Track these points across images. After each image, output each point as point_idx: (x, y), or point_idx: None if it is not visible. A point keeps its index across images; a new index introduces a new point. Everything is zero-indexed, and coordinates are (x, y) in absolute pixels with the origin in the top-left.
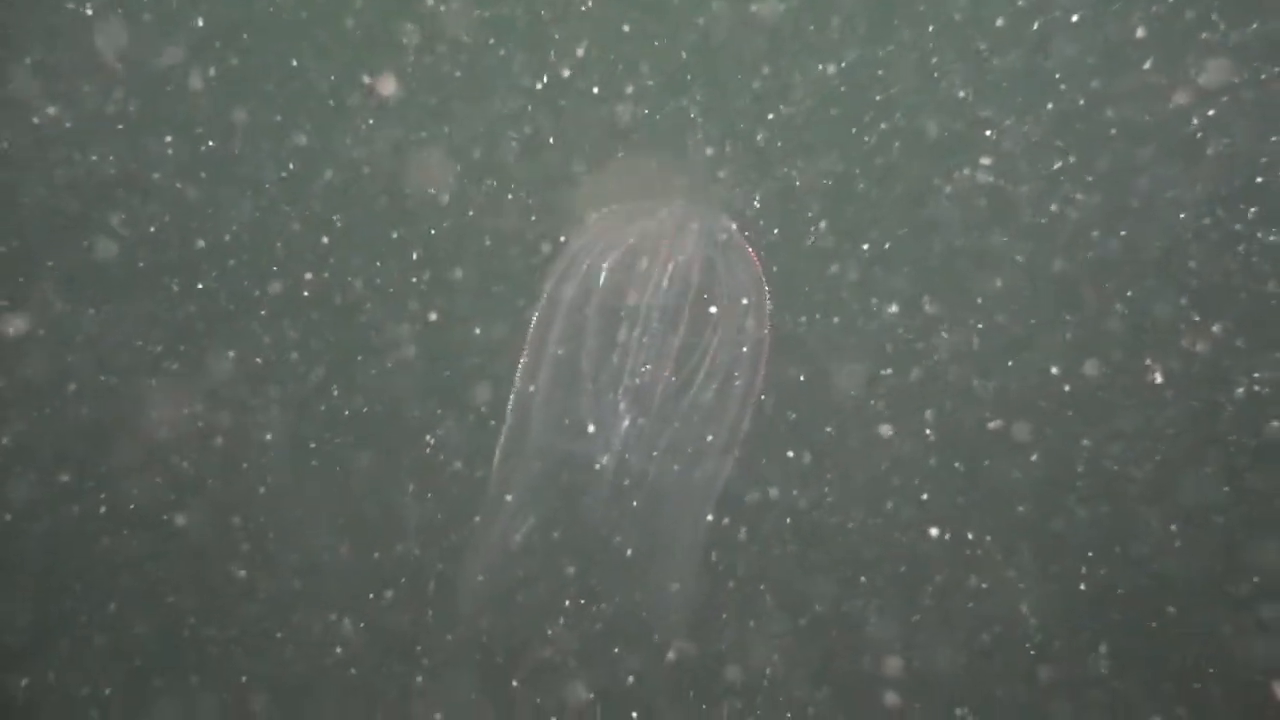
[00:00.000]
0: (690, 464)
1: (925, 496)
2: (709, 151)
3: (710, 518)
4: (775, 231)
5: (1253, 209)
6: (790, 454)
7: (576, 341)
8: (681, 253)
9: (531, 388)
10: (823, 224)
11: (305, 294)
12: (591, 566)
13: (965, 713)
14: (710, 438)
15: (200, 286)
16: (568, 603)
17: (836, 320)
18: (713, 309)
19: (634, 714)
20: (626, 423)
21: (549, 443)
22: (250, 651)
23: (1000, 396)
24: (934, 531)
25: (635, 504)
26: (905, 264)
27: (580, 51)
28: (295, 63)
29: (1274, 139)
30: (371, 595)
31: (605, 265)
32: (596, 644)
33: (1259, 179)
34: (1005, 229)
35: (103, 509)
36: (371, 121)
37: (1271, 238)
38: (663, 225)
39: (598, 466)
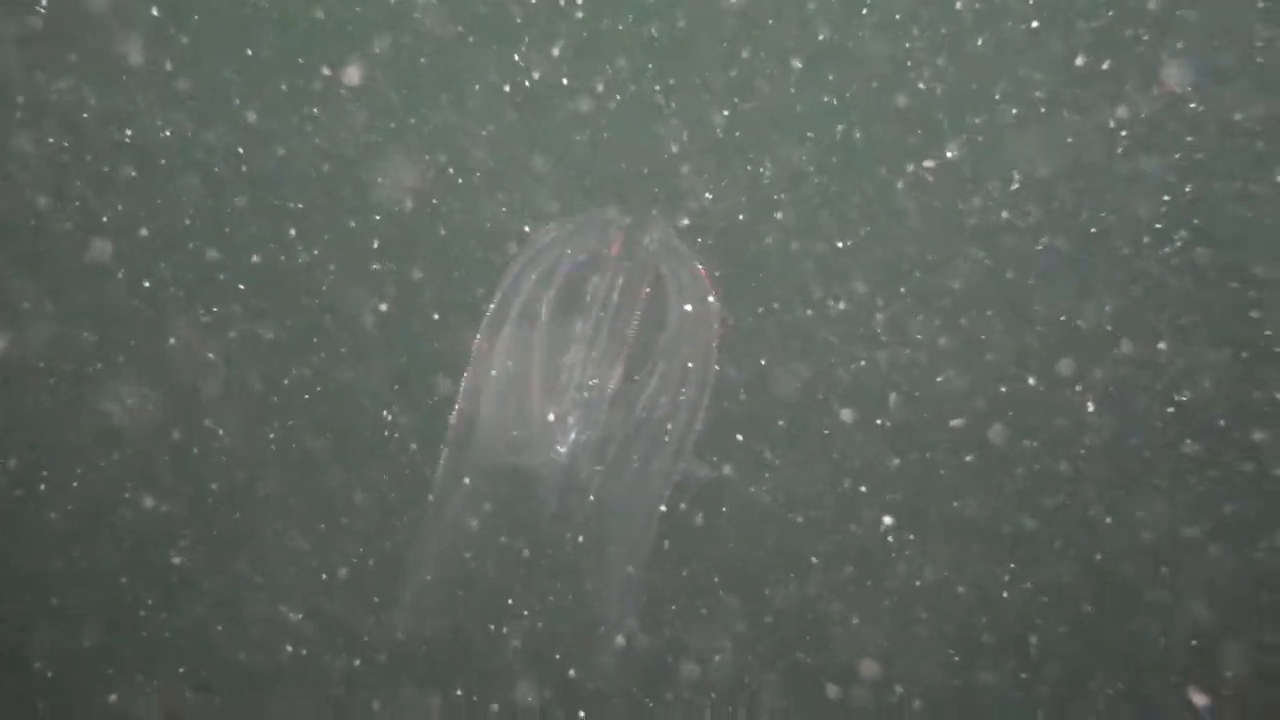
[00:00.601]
0: (641, 468)
1: (865, 489)
2: (674, 149)
3: (663, 509)
4: (734, 227)
5: (1193, 224)
6: (745, 446)
7: (525, 351)
8: (632, 260)
9: (479, 393)
10: (779, 216)
11: (258, 281)
12: (540, 562)
13: (904, 698)
14: (661, 442)
15: (148, 275)
16: (515, 599)
17: (792, 315)
18: (663, 317)
19: (581, 714)
20: (574, 435)
21: (496, 453)
22: (196, 644)
23: (953, 395)
24: (882, 523)
25: (585, 504)
26: (864, 260)
27: (553, 46)
28: (250, 52)
29: (1207, 155)
30: (322, 583)
31: (555, 273)
32: (545, 639)
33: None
34: (963, 230)
35: (45, 492)
36: (334, 110)
37: (1206, 253)
38: (615, 231)
39: (547, 472)
